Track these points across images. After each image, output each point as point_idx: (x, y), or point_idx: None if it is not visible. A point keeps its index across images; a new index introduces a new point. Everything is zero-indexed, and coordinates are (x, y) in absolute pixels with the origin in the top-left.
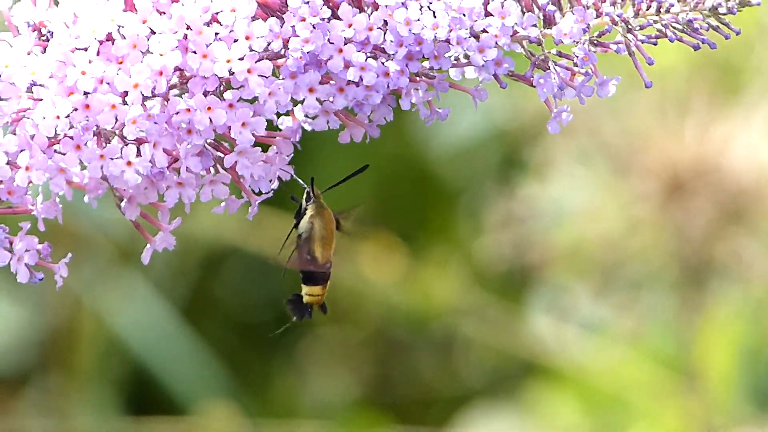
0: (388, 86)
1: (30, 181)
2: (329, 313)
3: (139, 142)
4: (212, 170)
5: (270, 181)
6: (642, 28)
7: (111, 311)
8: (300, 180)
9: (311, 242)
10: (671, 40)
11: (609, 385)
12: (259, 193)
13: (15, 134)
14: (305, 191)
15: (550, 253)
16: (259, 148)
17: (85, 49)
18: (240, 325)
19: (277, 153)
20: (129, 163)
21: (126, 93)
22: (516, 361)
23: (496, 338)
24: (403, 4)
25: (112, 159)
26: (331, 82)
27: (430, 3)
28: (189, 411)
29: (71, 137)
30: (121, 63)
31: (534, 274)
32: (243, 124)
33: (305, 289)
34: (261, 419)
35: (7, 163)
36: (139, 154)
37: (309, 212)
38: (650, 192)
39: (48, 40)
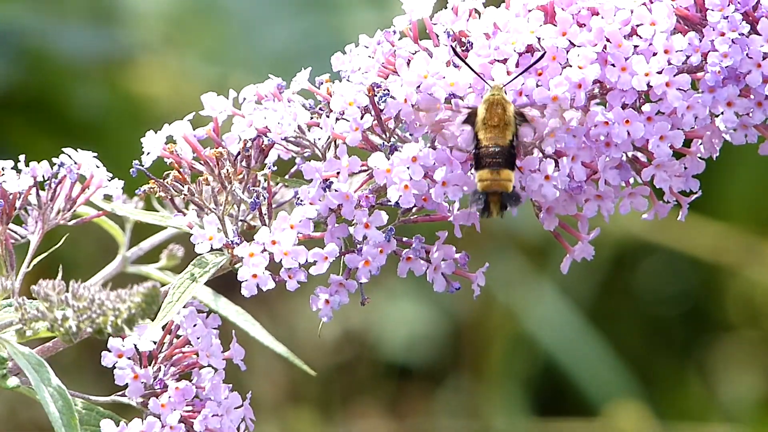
0: None
1: (446, 195)
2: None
3: (557, 155)
4: (631, 181)
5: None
6: None
7: (521, 312)
8: None
9: (473, 125)
10: None
11: None
12: (689, 194)
13: (434, 148)
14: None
15: None
16: (677, 161)
17: (504, 61)
18: (650, 323)
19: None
20: (547, 177)
21: (544, 105)
22: None
23: None
24: None
25: (530, 172)
26: (750, 96)
27: None
28: (598, 412)
29: None
30: (540, 75)
31: None
32: (661, 138)
33: (476, 175)
34: (672, 421)
35: (424, 176)
36: (557, 166)
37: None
38: None
39: (467, 50)
